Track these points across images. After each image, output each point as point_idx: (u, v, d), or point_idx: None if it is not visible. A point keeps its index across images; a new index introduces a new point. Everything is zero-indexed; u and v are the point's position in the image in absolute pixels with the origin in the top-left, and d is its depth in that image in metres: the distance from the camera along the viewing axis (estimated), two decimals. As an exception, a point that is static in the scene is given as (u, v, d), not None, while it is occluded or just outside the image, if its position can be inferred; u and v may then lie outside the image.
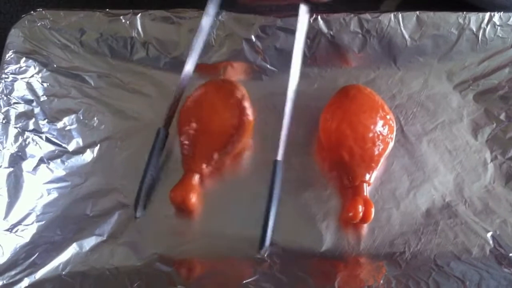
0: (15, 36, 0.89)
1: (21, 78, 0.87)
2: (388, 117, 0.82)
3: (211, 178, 0.83)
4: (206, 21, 0.87)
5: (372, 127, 0.81)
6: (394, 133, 0.83)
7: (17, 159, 0.83)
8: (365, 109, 0.82)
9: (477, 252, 0.78)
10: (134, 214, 0.80)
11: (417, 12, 0.89)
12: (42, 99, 0.87)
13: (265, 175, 0.80)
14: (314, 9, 0.87)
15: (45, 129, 0.85)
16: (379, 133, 0.81)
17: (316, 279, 0.76)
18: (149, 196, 0.82)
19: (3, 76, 0.87)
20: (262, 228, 0.76)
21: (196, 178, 0.81)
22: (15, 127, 0.84)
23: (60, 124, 0.86)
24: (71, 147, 0.85)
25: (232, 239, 0.79)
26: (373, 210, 0.78)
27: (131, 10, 0.90)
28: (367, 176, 0.80)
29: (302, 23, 0.84)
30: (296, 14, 0.86)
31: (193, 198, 0.80)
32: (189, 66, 0.85)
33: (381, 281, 0.75)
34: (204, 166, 0.81)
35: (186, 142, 0.82)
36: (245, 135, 0.83)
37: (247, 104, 0.84)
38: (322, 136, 0.83)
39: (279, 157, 0.79)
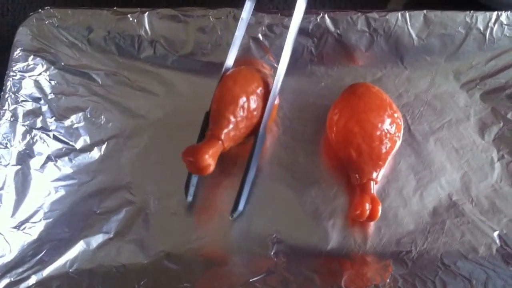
0: (23, 34, 0.89)
1: (29, 76, 0.87)
2: (396, 115, 0.82)
3: (219, 175, 0.82)
4: (247, 15, 0.88)
5: (379, 125, 0.80)
6: (402, 131, 0.83)
7: (24, 156, 0.83)
8: (373, 107, 0.81)
9: (483, 251, 0.78)
10: (185, 198, 0.80)
11: (424, 11, 0.89)
12: (49, 97, 0.87)
13: (273, 172, 0.82)
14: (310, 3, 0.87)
15: (52, 127, 0.86)
16: (386, 131, 0.80)
17: (323, 278, 0.76)
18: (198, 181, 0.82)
19: (11, 74, 0.87)
20: (237, 193, 0.78)
21: (218, 143, 0.78)
22: (22, 125, 0.84)
23: (67, 122, 0.86)
24: (78, 145, 0.85)
25: (239, 236, 0.80)
26: (380, 208, 0.78)
27: (138, 9, 0.90)
28: (374, 174, 0.80)
29: (298, 14, 0.85)
30: (304, 13, 0.86)
31: (208, 160, 0.77)
32: (229, 61, 0.86)
33: (388, 280, 0.75)
34: (226, 131, 0.79)
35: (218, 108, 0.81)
36: (271, 119, 0.84)
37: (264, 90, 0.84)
38: (330, 134, 0.83)
39: (262, 128, 0.80)
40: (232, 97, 0.80)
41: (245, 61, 0.89)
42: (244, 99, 0.80)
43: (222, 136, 0.79)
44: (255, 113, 0.81)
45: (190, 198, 0.81)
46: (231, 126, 0.79)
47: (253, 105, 0.81)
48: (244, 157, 0.81)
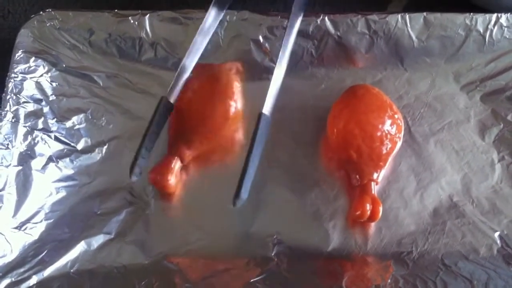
0: (24, 36, 0.89)
1: (30, 78, 0.87)
2: (396, 116, 0.82)
3: (217, 176, 0.83)
4: (209, 22, 0.88)
5: (380, 126, 0.81)
6: (402, 132, 0.83)
7: (26, 157, 0.83)
8: (373, 109, 0.82)
9: (484, 251, 0.78)
10: (129, 177, 0.79)
11: (424, 13, 0.89)
12: (51, 98, 0.87)
13: (273, 174, 0.82)
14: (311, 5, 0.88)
15: (54, 128, 0.85)
16: (387, 132, 0.81)
17: (323, 279, 0.77)
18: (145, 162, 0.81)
19: (13, 75, 0.87)
20: (239, 180, 0.75)
21: (176, 162, 0.82)
22: (24, 126, 0.84)
23: (69, 123, 0.86)
24: (79, 146, 0.85)
25: (239, 237, 0.80)
26: (381, 208, 0.78)
27: (139, 11, 0.90)
28: (375, 175, 0.80)
29: (294, 19, 0.86)
30: (304, 15, 0.88)
31: (171, 180, 0.81)
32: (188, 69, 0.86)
33: (389, 281, 0.75)
34: (186, 151, 0.82)
35: (174, 126, 0.84)
36: (233, 125, 0.85)
37: (236, 94, 0.86)
38: (330, 135, 0.83)
39: (265, 110, 0.79)
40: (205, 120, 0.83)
41: (246, 64, 0.90)
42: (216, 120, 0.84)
43: (185, 156, 0.83)
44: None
45: (134, 179, 0.79)
46: (195, 149, 0.83)
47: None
48: (237, 152, 0.84)
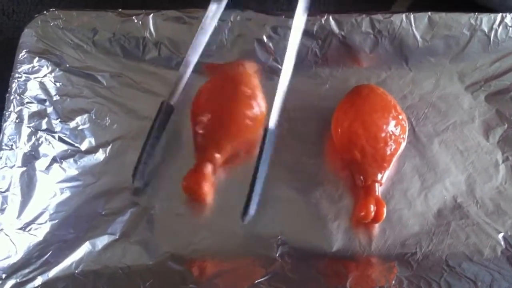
0: (28, 35, 0.89)
1: (34, 78, 0.87)
2: (400, 117, 0.82)
3: (223, 175, 0.83)
4: (209, 21, 0.88)
5: (384, 126, 0.81)
6: (407, 133, 0.83)
7: (30, 158, 0.83)
8: (377, 109, 0.82)
9: (488, 253, 0.78)
10: (132, 182, 0.80)
11: (429, 13, 0.89)
12: (55, 98, 0.87)
13: (277, 174, 0.82)
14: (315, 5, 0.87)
15: (58, 129, 0.85)
16: (391, 133, 0.81)
17: (328, 279, 0.77)
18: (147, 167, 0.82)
19: (16, 75, 0.87)
20: (247, 196, 0.75)
21: (208, 167, 0.81)
22: (28, 127, 0.84)
23: (72, 124, 0.86)
24: (83, 146, 0.85)
25: (244, 238, 0.80)
26: (385, 209, 0.78)
27: (143, 10, 0.90)
28: (379, 176, 0.80)
29: (298, 19, 0.85)
30: (309, 15, 0.87)
31: (206, 187, 0.80)
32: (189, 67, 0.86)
33: (393, 282, 0.75)
34: (217, 155, 0.82)
35: (200, 131, 0.83)
36: (258, 126, 0.83)
37: (260, 94, 0.85)
38: (334, 135, 0.83)
39: (271, 124, 0.79)
40: (230, 123, 0.83)
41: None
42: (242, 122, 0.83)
43: (216, 161, 0.82)
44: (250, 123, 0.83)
45: (137, 184, 0.80)
46: (225, 152, 0.83)
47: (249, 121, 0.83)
48: (247, 151, 0.83)
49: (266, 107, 0.84)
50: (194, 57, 0.87)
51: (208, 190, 0.81)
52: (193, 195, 0.81)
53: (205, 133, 0.83)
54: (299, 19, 0.85)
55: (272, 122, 0.80)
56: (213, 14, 0.88)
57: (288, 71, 0.82)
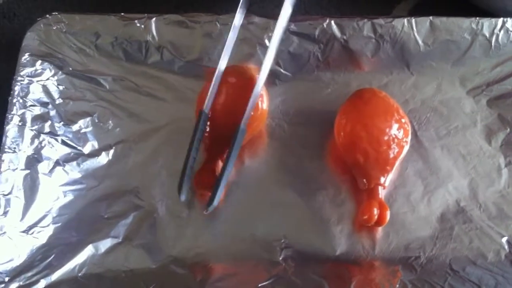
0: (31, 39, 0.88)
1: (37, 81, 0.87)
2: (403, 120, 0.82)
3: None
4: (237, 23, 0.87)
5: (387, 130, 0.80)
6: (409, 136, 0.82)
7: (33, 161, 0.82)
8: (380, 112, 0.81)
9: (492, 257, 0.78)
10: (179, 198, 0.79)
11: (430, 17, 0.88)
12: (57, 101, 0.86)
13: (280, 178, 0.82)
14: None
15: (60, 132, 0.85)
16: (394, 136, 0.80)
17: (331, 283, 0.76)
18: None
19: (19, 78, 0.86)
20: (214, 188, 0.77)
21: (219, 163, 0.81)
22: (31, 130, 0.84)
23: (75, 127, 0.85)
24: (86, 149, 0.84)
25: (247, 242, 0.79)
26: (388, 213, 0.78)
27: (145, 14, 0.89)
28: (382, 179, 0.80)
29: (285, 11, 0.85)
30: (310, 19, 0.87)
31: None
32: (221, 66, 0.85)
33: (397, 286, 0.75)
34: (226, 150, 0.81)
35: (210, 128, 0.82)
36: (259, 122, 0.84)
37: (263, 94, 0.84)
38: (337, 138, 0.83)
39: (242, 125, 0.79)
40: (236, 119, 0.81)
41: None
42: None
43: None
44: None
45: (183, 198, 0.79)
46: None
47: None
48: (254, 157, 0.83)
49: (268, 106, 0.84)
50: (224, 64, 0.86)
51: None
52: (204, 191, 0.80)
53: (215, 130, 0.82)
54: (284, 19, 0.85)
55: (244, 122, 0.79)
56: (239, 20, 0.87)
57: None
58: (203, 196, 0.81)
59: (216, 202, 0.77)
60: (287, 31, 0.88)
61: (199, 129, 0.80)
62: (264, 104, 0.83)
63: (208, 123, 0.82)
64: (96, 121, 0.86)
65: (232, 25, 0.85)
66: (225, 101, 0.83)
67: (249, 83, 0.83)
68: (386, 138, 0.80)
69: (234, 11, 0.87)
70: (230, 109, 0.82)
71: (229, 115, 0.82)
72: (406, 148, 0.82)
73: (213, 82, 0.82)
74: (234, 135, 0.79)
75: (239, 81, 0.84)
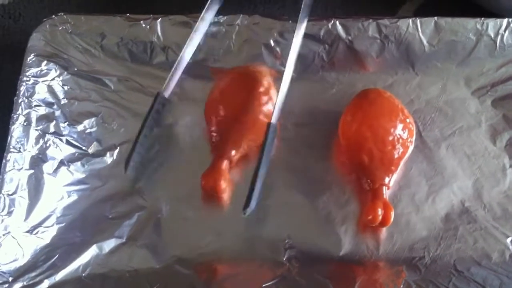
0: (36, 39, 0.88)
1: (42, 81, 0.86)
2: (408, 120, 0.81)
3: (233, 179, 0.82)
4: (202, 26, 0.88)
5: (392, 130, 0.79)
6: (414, 136, 0.82)
7: (37, 161, 0.82)
8: (385, 112, 0.81)
9: (497, 257, 0.77)
10: (124, 171, 0.79)
11: (435, 18, 0.88)
12: (62, 102, 0.86)
13: (285, 178, 0.81)
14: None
15: (65, 132, 0.84)
16: (399, 136, 0.79)
17: (336, 283, 0.76)
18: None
19: (25, 78, 0.86)
20: (249, 189, 0.75)
21: (225, 163, 0.81)
22: (36, 129, 0.83)
23: (80, 127, 0.85)
24: (91, 150, 0.84)
25: (251, 242, 0.79)
26: (392, 213, 0.77)
27: (151, 15, 0.89)
28: (387, 180, 0.79)
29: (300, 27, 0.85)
30: (315, 20, 0.87)
31: (223, 184, 0.80)
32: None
33: (401, 286, 0.74)
34: (233, 152, 0.81)
35: (216, 128, 0.82)
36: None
37: (273, 91, 0.84)
38: (342, 138, 0.82)
39: (274, 120, 0.79)
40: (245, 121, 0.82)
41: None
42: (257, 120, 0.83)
43: (232, 158, 0.82)
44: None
45: (128, 172, 0.80)
46: (241, 150, 0.82)
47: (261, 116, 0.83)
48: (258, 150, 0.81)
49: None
50: (188, 56, 0.87)
51: (225, 186, 0.80)
52: (211, 192, 0.80)
53: (221, 130, 0.82)
54: (301, 24, 0.85)
55: (275, 118, 0.79)
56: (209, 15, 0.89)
57: (290, 73, 0.82)
58: (208, 197, 0.80)
59: (253, 205, 0.75)
60: (292, 32, 0.86)
61: (153, 109, 0.82)
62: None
63: (214, 126, 0.82)
64: (101, 121, 0.86)
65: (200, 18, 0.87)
66: (230, 103, 0.83)
67: (254, 84, 0.83)
68: (391, 138, 0.79)
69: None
70: (234, 110, 0.82)
71: (233, 116, 0.82)
72: (411, 148, 0.81)
73: (172, 70, 0.85)
74: (265, 134, 0.78)
75: (244, 83, 0.84)
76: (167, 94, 0.84)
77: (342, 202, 0.81)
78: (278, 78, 0.85)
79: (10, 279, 0.75)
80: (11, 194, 0.79)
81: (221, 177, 0.80)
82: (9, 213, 0.78)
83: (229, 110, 0.82)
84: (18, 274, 0.76)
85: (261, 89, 0.83)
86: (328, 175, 0.82)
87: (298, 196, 0.81)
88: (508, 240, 0.78)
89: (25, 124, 0.83)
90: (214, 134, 0.82)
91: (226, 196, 0.81)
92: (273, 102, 0.83)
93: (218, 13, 0.89)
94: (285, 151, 0.83)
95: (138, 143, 0.80)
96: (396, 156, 0.79)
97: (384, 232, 0.79)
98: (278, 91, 0.82)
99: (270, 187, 0.81)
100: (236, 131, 0.81)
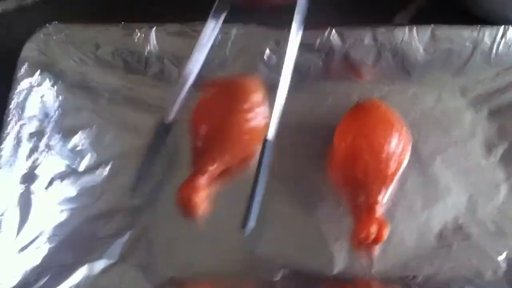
0: (29, 49, 0.84)
1: (35, 91, 0.82)
2: (403, 131, 0.78)
3: (222, 194, 0.77)
4: (207, 35, 0.82)
5: (388, 142, 0.76)
6: (409, 147, 0.78)
7: (28, 177, 0.78)
8: (380, 124, 0.77)
9: (490, 275, 0.73)
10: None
11: (431, 26, 0.83)
12: (55, 114, 0.82)
13: (278, 190, 0.77)
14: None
15: (57, 147, 0.81)
16: (394, 147, 0.76)
17: (329, 302, 0.73)
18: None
19: (17, 89, 0.81)
20: (246, 209, 0.69)
21: (201, 179, 0.76)
22: (27, 145, 0.79)
23: (72, 142, 0.81)
24: (83, 165, 0.80)
25: (244, 260, 0.75)
26: (386, 230, 0.73)
27: (146, 24, 0.85)
28: (381, 195, 0.75)
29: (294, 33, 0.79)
30: (310, 28, 0.82)
31: (196, 199, 0.75)
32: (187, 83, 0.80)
33: (395, 305, 0.72)
34: (210, 167, 0.77)
35: (196, 143, 0.78)
36: (256, 139, 0.78)
37: (260, 107, 0.80)
38: (337, 149, 0.78)
39: (270, 136, 0.74)
40: (228, 136, 0.78)
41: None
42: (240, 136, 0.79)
43: (212, 173, 0.78)
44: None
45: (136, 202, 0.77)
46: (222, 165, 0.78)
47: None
48: (246, 164, 0.79)
49: (268, 120, 0.79)
50: (192, 75, 0.80)
51: (199, 202, 0.75)
52: (184, 208, 0.76)
53: (201, 144, 0.78)
54: (295, 34, 0.80)
55: (271, 134, 0.74)
56: (212, 29, 0.82)
57: (286, 85, 0.77)
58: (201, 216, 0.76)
59: (252, 223, 0.70)
60: (288, 41, 0.82)
61: (160, 141, 0.78)
62: (262, 121, 0.79)
63: (195, 139, 0.78)
64: (94, 134, 0.82)
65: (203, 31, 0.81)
66: (213, 115, 0.79)
67: (241, 97, 0.79)
68: (387, 150, 0.75)
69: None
70: (214, 121, 0.78)
71: (211, 130, 0.78)
72: (406, 161, 0.78)
73: (181, 91, 0.79)
74: (261, 150, 0.73)
75: (230, 95, 0.80)
76: (170, 119, 0.78)
77: (337, 216, 0.77)
78: (272, 89, 0.80)
79: (0, 301, 0.73)
80: (1, 214, 0.75)
81: (194, 192, 0.75)
82: (-1, 232, 0.76)
83: (210, 124, 0.78)
84: (8, 296, 0.73)
85: (247, 104, 0.79)
86: (323, 187, 0.78)
87: (292, 209, 0.77)
88: (501, 257, 0.74)
89: (15, 140, 0.79)
90: (195, 146, 0.78)
91: (200, 212, 0.76)
92: (263, 115, 0.79)
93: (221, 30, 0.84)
94: (279, 162, 0.78)
95: (144, 171, 0.76)
96: (391, 169, 0.76)
97: (377, 249, 0.75)
98: (271, 103, 0.77)
99: (265, 200, 0.75)
100: (217, 145, 0.77)
